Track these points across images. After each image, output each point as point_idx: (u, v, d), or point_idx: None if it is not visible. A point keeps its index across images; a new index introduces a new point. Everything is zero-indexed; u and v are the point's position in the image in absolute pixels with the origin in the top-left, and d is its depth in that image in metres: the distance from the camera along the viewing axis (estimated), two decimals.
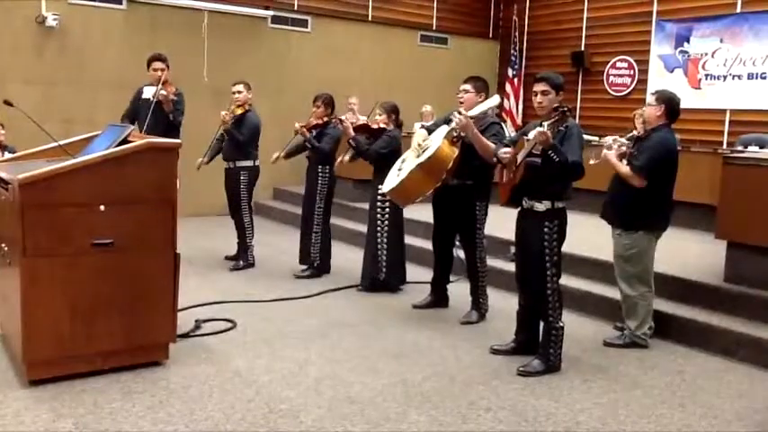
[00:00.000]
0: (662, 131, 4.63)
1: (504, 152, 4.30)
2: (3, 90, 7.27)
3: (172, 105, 6.12)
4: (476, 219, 5.12)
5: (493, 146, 4.72)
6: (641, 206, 4.57)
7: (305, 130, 6.25)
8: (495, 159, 4.47)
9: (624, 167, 4.61)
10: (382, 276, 5.90)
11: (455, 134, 4.84)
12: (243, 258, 6.69)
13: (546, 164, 3.96)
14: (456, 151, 4.84)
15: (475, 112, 4.90)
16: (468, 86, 5.08)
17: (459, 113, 4.77)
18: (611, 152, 4.75)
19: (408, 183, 4.91)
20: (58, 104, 8.25)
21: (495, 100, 5.06)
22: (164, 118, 6.11)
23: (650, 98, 4.72)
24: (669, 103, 4.64)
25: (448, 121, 4.97)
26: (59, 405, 3.48)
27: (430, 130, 5.15)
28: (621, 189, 4.64)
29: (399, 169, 5.12)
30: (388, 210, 5.81)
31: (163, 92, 6.06)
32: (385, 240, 5.85)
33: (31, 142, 4.61)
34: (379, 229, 5.86)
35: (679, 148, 7.79)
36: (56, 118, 7.57)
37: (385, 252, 5.86)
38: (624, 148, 4.78)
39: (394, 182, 5.05)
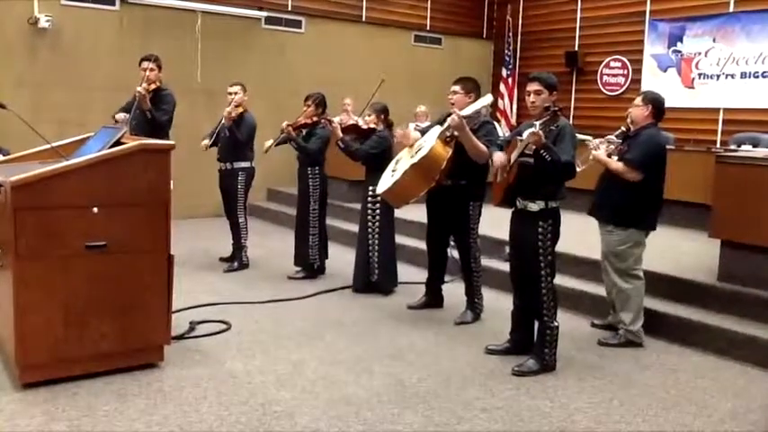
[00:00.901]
0: (652, 129, 4.72)
1: (497, 157, 4.31)
2: None
3: (148, 103, 6.10)
4: (469, 219, 5.12)
5: (484, 147, 4.74)
6: (634, 203, 4.62)
7: (291, 129, 6.21)
8: (491, 161, 4.48)
9: (616, 163, 4.66)
10: (375, 277, 5.88)
11: (448, 134, 4.85)
12: (237, 259, 6.68)
13: (539, 164, 3.97)
14: (449, 151, 4.84)
15: (468, 111, 4.90)
16: (456, 87, 5.10)
17: (454, 114, 4.79)
18: (600, 151, 4.79)
19: (402, 183, 4.91)
20: (51, 106, 8.20)
21: (487, 99, 5.07)
22: (147, 117, 6.12)
23: (636, 99, 4.82)
24: (655, 103, 4.74)
25: (442, 122, 4.98)
26: (53, 408, 3.47)
27: (423, 132, 5.16)
28: (612, 186, 4.68)
29: (393, 170, 5.12)
30: (378, 210, 5.80)
31: (139, 88, 6.06)
32: (376, 241, 5.84)
33: (23, 144, 4.59)
34: (370, 230, 5.85)
35: (673, 146, 7.89)
36: (49, 120, 7.54)
37: (377, 253, 5.85)
38: (612, 146, 4.82)
39: (388, 182, 5.05)
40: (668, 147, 7.74)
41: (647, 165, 4.58)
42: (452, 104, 5.04)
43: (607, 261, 4.82)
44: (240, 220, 6.66)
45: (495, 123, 5.38)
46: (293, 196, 7.01)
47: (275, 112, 8.87)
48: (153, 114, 6.11)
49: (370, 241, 5.85)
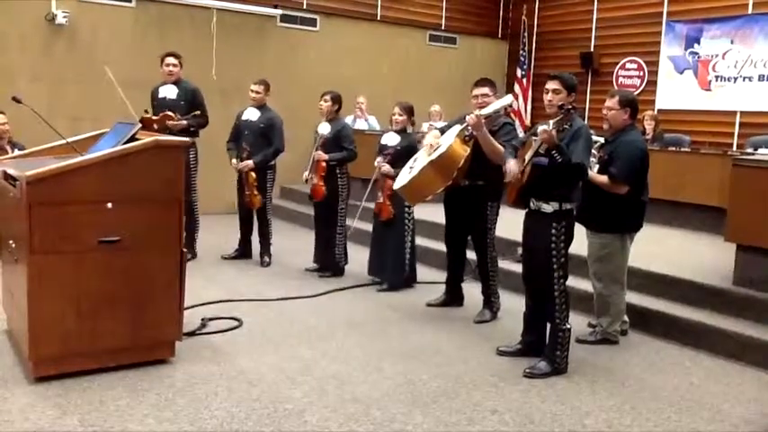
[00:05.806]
0: (631, 133, 4.68)
1: (510, 165, 4.27)
2: (12, 87, 7.28)
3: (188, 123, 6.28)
4: (487, 220, 5.13)
5: (501, 148, 4.71)
6: (616, 208, 4.59)
7: (323, 162, 6.12)
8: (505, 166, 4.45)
9: (602, 177, 4.59)
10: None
11: (467, 133, 4.85)
12: (268, 255, 6.74)
13: (551, 164, 3.95)
14: (468, 150, 4.84)
15: (488, 110, 4.89)
16: (486, 90, 5.05)
17: (473, 113, 4.79)
18: None
19: (419, 180, 4.91)
20: (67, 102, 8.26)
21: (507, 99, 5.06)
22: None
23: (611, 101, 4.71)
24: (633, 104, 4.71)
25: (461, 121, 4.98)
26: (65, 402, 3.49)
27: (443, 131, 5.15)
28: (593, 192, 4.64)
29: (411, 167, 5.12)
30: (411, 208, 5.82)
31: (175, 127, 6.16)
32: (410, 238, 5.91)
33: (39, 140, 4.61)
34: (406, 227, 5.90)
35: (688, 149, 7.82)
36: (64, 115, 7.59)
37: (409, 251, 5.91)
38: (594, 159, 4.77)
39: (405, 179, 5.06)
40: (683, 149, 7.77)
41: (633, 176, 4.54)
42: (480, 107, 4.96)
43: (590, 264, 4.82)
44: (268, 217, 6.74)
45: (515, 124, 5.38)
46: (306, 194, 7.02)
47: (288, 109, 8.86)
48: (197, 122, 6.30)
49: (407, 238, 5.90)
